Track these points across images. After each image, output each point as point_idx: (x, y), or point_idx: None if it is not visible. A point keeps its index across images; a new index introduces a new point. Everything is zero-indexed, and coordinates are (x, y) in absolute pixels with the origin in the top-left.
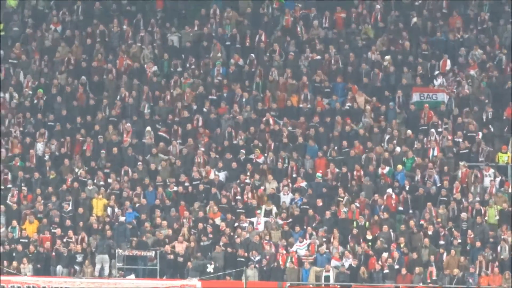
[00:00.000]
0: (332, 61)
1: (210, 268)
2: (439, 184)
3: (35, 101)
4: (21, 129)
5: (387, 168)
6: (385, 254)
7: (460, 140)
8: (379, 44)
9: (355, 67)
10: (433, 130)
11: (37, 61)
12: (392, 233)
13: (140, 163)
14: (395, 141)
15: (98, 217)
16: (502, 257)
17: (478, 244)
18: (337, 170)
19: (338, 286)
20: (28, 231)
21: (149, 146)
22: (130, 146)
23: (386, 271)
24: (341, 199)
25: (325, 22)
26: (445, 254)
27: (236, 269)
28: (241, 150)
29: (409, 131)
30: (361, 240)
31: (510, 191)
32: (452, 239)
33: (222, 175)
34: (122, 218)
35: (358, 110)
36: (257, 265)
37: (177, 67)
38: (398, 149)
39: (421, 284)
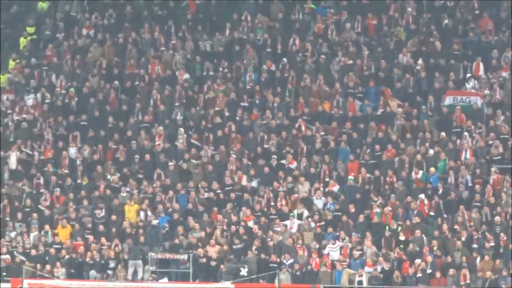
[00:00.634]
0: (364, 66)
1: (243, 272)
2: (470, 184)
3: (67, 100)
4: (53, 130)
5: (421, 173)
6: (418, 260)
7: (493, 143)
8: (410, 46)
9: (387, 72)
10: (466, 133)
11: (68, 61)
12: (424, 238)
13: (172, 167)
14: (427, 144)
15: (131, 222)
16: None
17: (511, 247)
18: (368, 174)
19: None
20: (60, 236)
21: (182, 152)
22: (162, 151)
23: (419, 275)
24: (374, 203)
25: (357, 27)
26: (478, 257)
27: (268, 272)
28: (273, 156)
29: (443, 133)
30: (394, 245)
31: None
32: (485, 242)
33: (254, 182)
34: (154, 222)
35: (391, 114)
36: (289, 269)
37: (209, 71)
38: (431, 151)
39: (454, 287)
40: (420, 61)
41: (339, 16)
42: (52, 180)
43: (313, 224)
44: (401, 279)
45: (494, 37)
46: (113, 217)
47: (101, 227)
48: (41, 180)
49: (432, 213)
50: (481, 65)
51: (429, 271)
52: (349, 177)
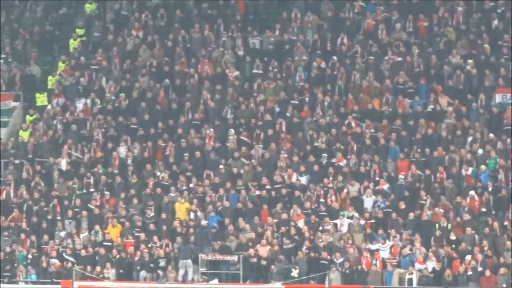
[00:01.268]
0: (414, 63)
1: (294, 273)
2: None
3: (117, 104)
4: (103, 131)
5: (471, 169)
6: (468, 257)
7: None
8: (460, 46)
9: (437, 70)
10: None
11: (117, 65)
12: (475, 235)
13: (222, 166)
14: (477, 143)
15: (181, 221)
16: None
17: None
18: (419, 172)
19: None
20: (111, 235)
21: (232, 150)
22: (212, 150)
23: (470, 273)
24: (424, 202)
25: (409, 26)
26: None
27: (319, 272)
28: (323, 154)
29: (491, 134)
30: (444, 243)
31: None
32: None
33: (304, 179)
34: (204, 222)
35: (441, 112)
36: (340, 268)
37: (259, 70)
38: (480, 150)
39: (504, 285)
40: (470, 61)
41: (389, 13)
42: (102, 180)
43: (363, 222)
44: (452, 277)
45: None
46: (163, 215)
47: (151, 226)
48: (91, 180)
49: (484, 209)
50: None
51: (479, 269)
52: (400, 176)
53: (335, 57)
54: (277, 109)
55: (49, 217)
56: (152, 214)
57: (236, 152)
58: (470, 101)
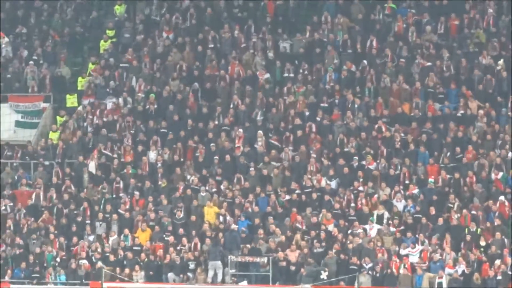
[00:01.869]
0: (444, 67)
1: (323, 275)
2: None
3: (147, 106)
4: (133, 132)
5: (501, 174)
6: (498, 261)
7: None
8: (491, 48)
9: (467, 73)
10: None
11: (147, 64)
12: (505, 240)
13: (252, 169)
14: (507, 146)
15: (210, 224)
16: None
17: None
18: (448, 176)
19: None
20: (140, 239)
21: (262, 154)
22: (242, 154)
23: (499, 277)
24: (452, 206)
25: (440, 28)
26: None
27: (348, 275)
28: (354, 157)
29: None
30: (474, 247)
31: None
32: None
33: (333, 183)
34: (234, 226)
35: (471, 116)
36: (370, 272)
37: (289, 73)
38: (510, 154)
39: None
40: (500, 62)
41: (420, 16)
42: (131, 183)
43: (392, 228)
44: (481, 281)
45: None
46: (193, 218)
47: (181, 230)
48: (121, 184)
49: None
50: None
51: (509, 273)
52: (429, 179)
53: (365, 61)
54: (307, 113)
55: (79, 219)
56: (182, 215)
57: (266, 157)
58: (500, 104)
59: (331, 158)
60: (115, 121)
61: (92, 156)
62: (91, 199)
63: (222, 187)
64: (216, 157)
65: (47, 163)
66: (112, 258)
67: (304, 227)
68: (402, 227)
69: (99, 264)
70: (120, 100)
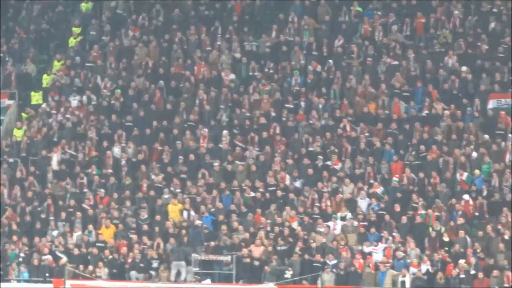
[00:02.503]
0: (410, 67)
1: (288, 274)
2: None
3: (113, 101)
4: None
5: (465, 174)
6: (461, 260)
7: None
8: (457, 48)
9: (433, 73)
10: (510, 135)
11: (113, 63)
12: (468, 238)
13: (216, 167)
14: (472, 146)
15: (174, 222)
16: None
17: None
18: (413, 175)
19: None
20: (104, 236)
21: (226, 152)
22: (207, 151)
23: (462, 276)
24: (417, 205)
25: (406, 30)
26: None
27: (312, 273)
28: (318, 157)
29: (486, 136)
30: (438, 246)
31: None
32: None
33: (298, 183)
34: (198, 222)
35: (436, 116)
36: (333, 270)
37: (254, 72)
38: (474, 154)
39: (497, 287)
40: (464, 68)
41: (386, 18)
42: (95, 180)
43: (356, 223)
44: (444, 280)
45: None
46: (157, 217)
47: (144, 227)
48: (85, 180)
49: (476, 213)
50: None
51: (472, 272)
52: (394, 178)
53: (331, 61)
54: (273, 114)
55: (43, 216)
56: (146, 216)
57: (229, 156)
58: (465, 105)
59: (296, 158)
60: (80, 118)
61: (55, 151)
62: (55, 195)
63: (188, 183)
64: (181, 156)
65: (11, 160)
66: (76, 252)
67: (268, 225)
68: (365, 223)
69: (63, 260)
70: (84, 98)
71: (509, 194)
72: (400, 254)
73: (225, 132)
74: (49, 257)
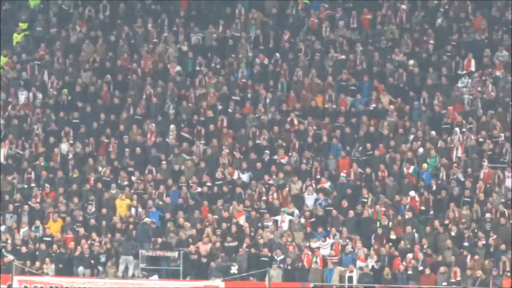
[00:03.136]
0: (357, 61)
1: (233, 270)
2: (463, 179)
3: (60, 98)
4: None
5: (412, 168)
6: (409, 255)
7: (484, 141)
8: (404, 44)
9: (380, 67)
10: (457, 129)
11: (60, 58)
12: (416, 234)
13: (164, 162)
14: (419, 141)
15: (121, 217)
16: None
17: (503, 247)
18: (360, 170)
19: (362, 287)
20: (51, 230)
21: (173, 146)
22: (154, 146)
23: (409, 272)
24: (366, 200)
25: (353, 23)
26: (469, 256)
27: (259, 269)
28: (265, 151)
29: (433, 132)
30: (385, 241)
31: None
32: (476, 240)
33: (245, 176)
34: (147, 219)
35: (383, 110)
36: (281, 265)
37: (201, 66)
38: (421, 149)
39: (444, 283)
40: (411, 61)
41: (333, 11)
42: (43, 175)
43: (303, 221)
44: (391, 276)
45: (487, 36)
46: (104, 211)
47: (92, 221)
48: (32, 175)
49: (423, 208)
50: (473, 62)
51: (420, 268)
52: (341, 174)
53: (278, 54)
54: (220, 107)
55: None
56: (93, 209)
57: (176, 149)
58: (412, 99)
59: (243, 151)
60: (27, 114)
61: (2, 146)
62: (2, 190)
63: (133, 178)
64: (127, 149)
65: None
66: (23, 250)
67: (215, 221)
68: (313, 219)
69: (10, 257)
70: (31, 95)
71: (456, 189)
72: (348, 249)
73: (172, 126)
74: None
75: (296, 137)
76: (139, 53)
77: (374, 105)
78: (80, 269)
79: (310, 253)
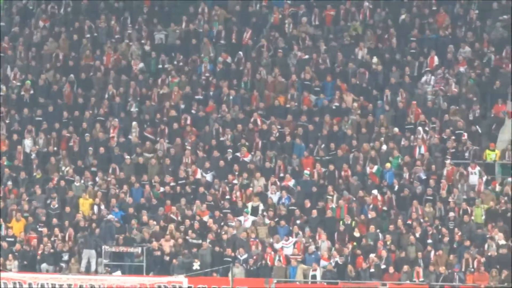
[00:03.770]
0: (320, 60)
1: (196, 266)
2: (424, 177)
3: (22, 92)
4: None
5: (375, 167)
6: (372, 255)
7: (447, 138)
8: (367, 40)
9: (343, 66)
10: (420, 128)
11: (22, 53)
12: (379, 233)
13: (128, 158)
14: (382, 139)
15: (84, 215)
16: (489, 254)
17: (467, 243)
18: (323, 169)
19: (325, 284)
20: (14, 230)
21: (136, 145)
22: (117, 144)
23: (372, 270)
24: (330, 197)
25: (315, 20)
26: (432, 252)
27: (223, 265)
28: (228, 150)
29: (396, 129)
30: (348, 239)
31: (497, 189)
32: (440, 236)
33: (209, 176)
34: (110, 216)
35: (346, 109)
36: (244, 264)
37: (164, 64)
38: (384, 147)
39: (408, 282)
40: (375, 59)
41: (296, 8)
42: (6, 173)
43: (267, 220)
44: (355, 273)
45: (451, 33)
46: (67, 209)
47: (54, 220)
48: None
49: (385, 208)
50: (436, 59)
51: (383, 266)
52: (305, 171)
53: (241, 53)
54: (182, 106)
55: None
56: (57, 205)
57: (138, 148)
58: (375, 97)
59: (206, 150)
60: None
61: None
62: None
63: (97, 178)
64: (90, 148)
65: None
66: None
67: (179, 218)
68: (276, 219)
69: None
70: None
71: (419, 187)
72: (311, 248)
73: (134, 123)
74: None
75: (259, 136)
76: (102, 49)
77: (337, 104)
78: (44, 265)
79: (272, 252)
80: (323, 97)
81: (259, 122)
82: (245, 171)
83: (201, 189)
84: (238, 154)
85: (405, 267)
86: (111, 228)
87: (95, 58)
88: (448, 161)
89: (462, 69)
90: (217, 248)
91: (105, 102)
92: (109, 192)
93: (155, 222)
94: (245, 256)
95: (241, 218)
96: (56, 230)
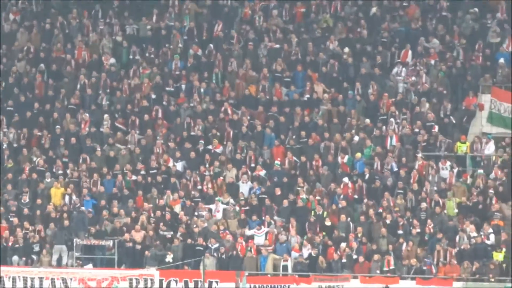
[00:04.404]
0: (292, 51)
1: (169, 258)
2: (396, 169)
3: None
4: None
5: (346, 157)
6: (343, 244)
7: (419, 131)
8: (338, 32)
9: (314, 57)
10: (392, 119)
11: None
12: (350, 223)
13: (98, 151)
14: (353, 130)
15: (56, 206)
16: (462, 247)
17: (439, 235)
18: (295, 159)
19: (296, 276)
20: None
21: (107, 136)
22: (88, 135)
23: (344, 260)
24: (301, 188)
25: (285, 15)
26: (404, 244)
27: (194, 258)
28: (200, 141)
29: (368, 120)
30: (319, 230)
31: (468, 181)
32: (411, 228)
33: (179, 165)
34: (82, 208)
35: (317, 100)
36: (215, 254)
37: (135, 56)
38: (356, 138)
39: (378, 272)
40: (346, 49)
41: (267, 2)
42: None
43: (238, 209)
44: (326, 264)
45: (421, 25)
46: (38, 201)
47: (25, 211)
48: None
49: (356, 196)
50: (410, 53)
51: (354, 256)
52: (276, 162)
53: (211, 45)
54: (153, 96)
55: None
56: (28, 200)
57: (111, 138)
58: (346, 89)
59: (178, 141)
60: None
61: None
62: None
63: (68, 170)
64: (62, 139)
65: None
66: None
67: (151, 210)
68: (247, 207)
69: None
70: None
71: (390, 178)
72: (282, 238)
73: (106, 116)
74: None
75: (230, 127)
76: (73, 43)
77: (308, 96)
78: (15, 258)
79: (244, 242)
80: (294, 89)
81: (229, 111)
82: (217, 162)
83: (173, 179)
84: (210, 146)
85: (376, 256)
86: (84, 218)
87: (66, 52)
88: (419, 155)
89: (433, 61)
90: (189, 241)
91: (76, 93)
92: (80, 183)
93: (125, 213)
94: (217, 245)
95: (213, 206)
96: (26, 223)
